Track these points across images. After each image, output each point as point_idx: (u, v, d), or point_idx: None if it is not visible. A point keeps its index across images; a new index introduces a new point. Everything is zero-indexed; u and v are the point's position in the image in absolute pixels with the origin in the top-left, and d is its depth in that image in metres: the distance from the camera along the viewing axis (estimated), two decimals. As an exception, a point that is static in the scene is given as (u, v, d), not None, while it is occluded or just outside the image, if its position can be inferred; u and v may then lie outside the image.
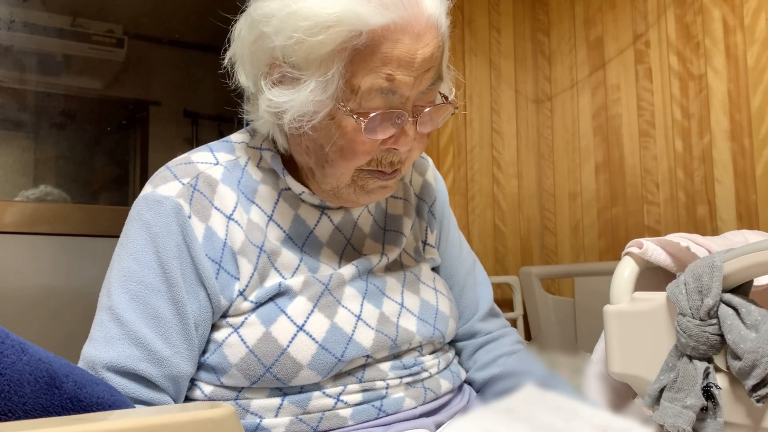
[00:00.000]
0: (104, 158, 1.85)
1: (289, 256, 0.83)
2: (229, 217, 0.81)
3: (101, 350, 0.74)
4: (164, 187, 0.80)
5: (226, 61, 0.84)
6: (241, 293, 0.79)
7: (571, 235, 2.60)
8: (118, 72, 1.89)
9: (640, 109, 2.35)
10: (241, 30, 0.81)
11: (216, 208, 0.81)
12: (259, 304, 0.80)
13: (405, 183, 0.99)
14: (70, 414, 0.47)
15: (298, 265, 0.83)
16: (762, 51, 2.01)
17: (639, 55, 2.37)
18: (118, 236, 0.82)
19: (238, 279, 0.79)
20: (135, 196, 0.83)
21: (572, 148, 2.61)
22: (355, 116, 0.75)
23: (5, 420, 0.43)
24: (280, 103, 0.76)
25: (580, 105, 2.58)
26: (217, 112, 2.03)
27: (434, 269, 1.00)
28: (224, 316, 0.80)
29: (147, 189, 0.82)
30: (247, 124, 0.90)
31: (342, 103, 0.75)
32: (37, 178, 1.74)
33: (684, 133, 2.20)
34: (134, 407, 0.54)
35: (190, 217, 0.79)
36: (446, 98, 0.83)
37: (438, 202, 1.02)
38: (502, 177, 2.68)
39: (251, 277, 0.80)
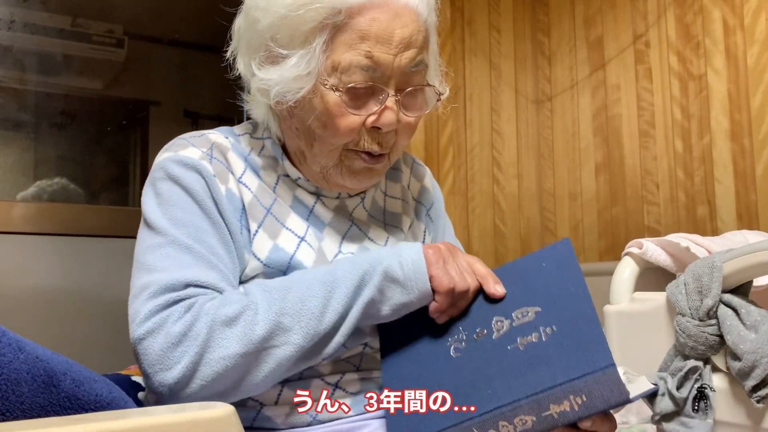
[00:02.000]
0: (104, 158, 1.85)
1: (296, 219, 0.86)
2: (239, 180, 0.84)
3: (180, 273, 0.74)
4: (185, 151, 0.83)
5: (228, 54, 0.89)
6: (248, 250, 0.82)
7: (571, 235, 2.60)
8: (118, 72, 1.89)
9: (640, 109, 2.35)
10: (240, 24, 0.86)
11: (231, 172, 0.84)
12: (271, 268, 0.81)
13: (402, 186, 1.00)
14: (68, 412, 0.47)
15: (307, 229, 0.86)
16: (762, 51, 2.01)
17: (639, 56, 2.37)
18: (118, 236, 0.83)
19: (254, 235, 0.82)
20: (135, 196, 0.85)
21: (572, 149, 2.61)
22: (335, 90, 0.78)
23: (3, 420, 0.43)
24: (267, 80, 0.80)
25: (580, 105, 2.58)
26: (217, 112, 2.03)
27: None
28: (241, 281, 0.82)
29: (167, 153, 0.84)
30: (249, 119, 0.93)
31: (323, 79, 0.78)
32: (37, 178, 1.74)
33: (684, 134, 2.20)
34: (133, 406, 0.54)
35: (214, 176, 0.82)
36: (431, 85, 0.85)
37: (435, 208, 1.04)
38: (502, 177, 2.68)
39: (255, 233, 0.82)
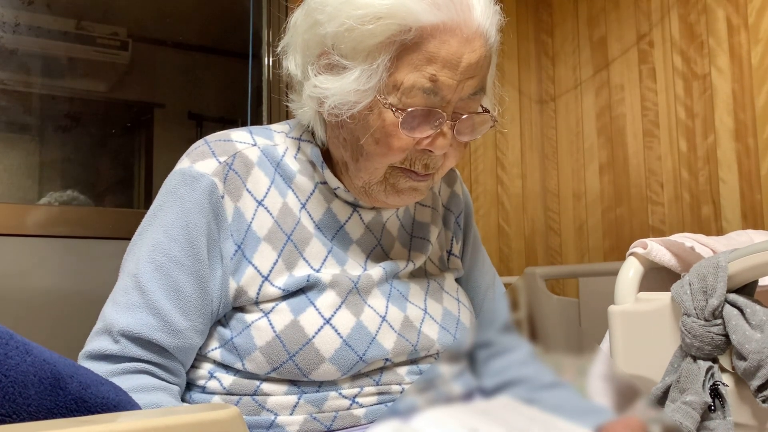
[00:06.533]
0: (109, 161, 1.86)
1: (317, 246, 0.85)
2: (260, 203, 0.83)
3: (121, 316, 0.77)
4: (201, 163, 0.82)
5: (279, 49, 0.87)
6: (266, 278, 0.81)
7: (575, 235, 2.59)
8: (122, 74, 1.90)
9: (644, 109, 2.35)
10: (297, 19, 0.84)
11: (248, 190, 0.83)
12: (289, 293, 0.81)
13: (434, 192, 0.99)
14: (74, 415, 0.47)
15: (326, 256, 0.85)
16: (766, 50, 2.01)
17: (643, 55, 2.36)
18: (123, 239, 0.83)
19: (252, 263, 0.81)
20: (140, 198, 0.85)
21: (576, 149, 2.61)
22: (394, 110, 0.76)
23: (10, 422, 0.43)
24: (323, 90, 0.78)
25: (584, 105, 2.58)
26: (221, 114, 2.04)
27: (457, 280, 1.00)
28: (256, 303, 0.81)
29: (184, 163, 0.84)
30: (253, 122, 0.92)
31: (383, 96, 0.76)
32: (43, 181, 1.75)
33: (688, 133, 2.20)
34: (139, 407, 0.54)
35: (223, 197, 0.81)
36: (487, 111, 0.83)
37: (464, 214, 1.03)
38: (506, 178, 2.67)
39: (275, 264, 0.81)
